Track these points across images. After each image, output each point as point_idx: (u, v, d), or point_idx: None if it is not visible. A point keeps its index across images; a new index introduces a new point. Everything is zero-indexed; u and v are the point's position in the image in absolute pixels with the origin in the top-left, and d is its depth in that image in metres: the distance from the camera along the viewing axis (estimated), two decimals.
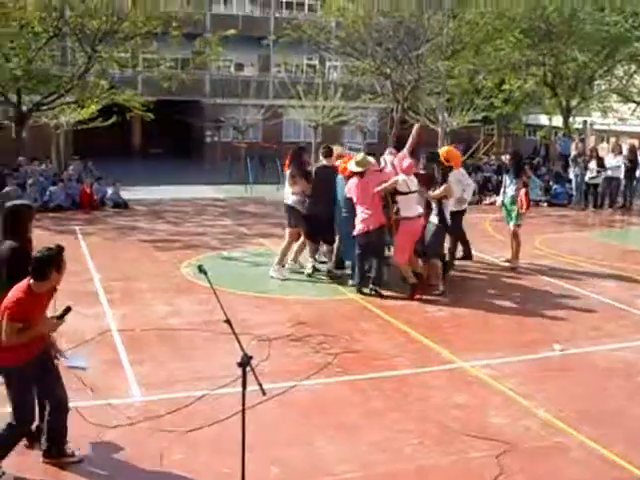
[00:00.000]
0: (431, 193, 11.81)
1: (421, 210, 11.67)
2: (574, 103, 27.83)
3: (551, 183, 23.90)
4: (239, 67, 41.31)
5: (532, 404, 7.46)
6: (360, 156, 11.86)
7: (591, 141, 34.01)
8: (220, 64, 38.24)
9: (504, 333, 9.92)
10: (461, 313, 10.79)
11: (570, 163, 24.19)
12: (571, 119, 28.67)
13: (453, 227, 12.46)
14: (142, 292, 11.60)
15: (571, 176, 23.59)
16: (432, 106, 26.95)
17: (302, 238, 12.93)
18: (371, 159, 11.97)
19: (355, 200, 11.60)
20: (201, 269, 5.63)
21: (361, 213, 11.51)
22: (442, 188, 11.79)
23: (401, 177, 11.52)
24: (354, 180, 11.66)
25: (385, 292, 11.58)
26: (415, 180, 11.65)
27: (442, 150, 13.03)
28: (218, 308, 5.45)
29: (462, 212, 13.25)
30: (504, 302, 11.44)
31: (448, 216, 11.98)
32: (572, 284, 12.60)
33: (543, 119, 34.05)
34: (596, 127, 34.78)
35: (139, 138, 42.68)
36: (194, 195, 24.13)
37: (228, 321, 5.35)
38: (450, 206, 12.15)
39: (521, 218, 13.77)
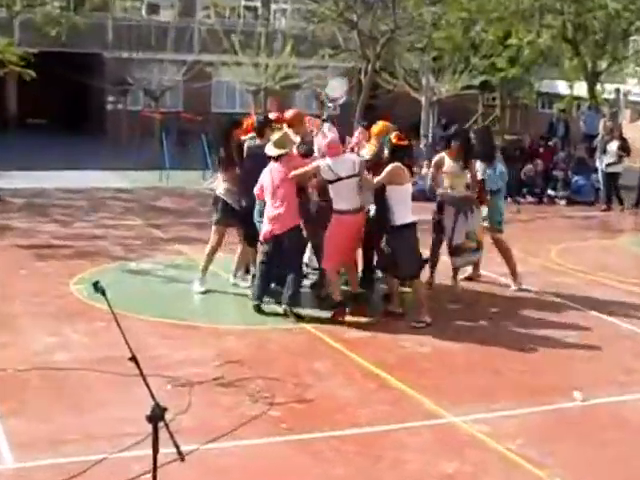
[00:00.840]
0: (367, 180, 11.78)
1: (361, 201, 11.74)
2: (603, 65, 28.21)
3: (570, 174, 24.22)
4: (153, 9, 41.16)
5: (544, 473, 7.53)
6: (279, 134, 11.97)
7: (626, 117, 34.51)
8: (127, 4, 38.14)
9: (506, 376, 10.00)
10: (450, 349, 10.86)
11: (597, 146, 24.49)
12: (599, 87, 29.05)
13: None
14: (17, 318, 11.51)
15: (597, 164, 23.87)
16: (414, 67, 27.15)
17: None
18: (295, 138, 12.09)
19: (266, 192, 11.80)
20: (98, 287, 5.62)
21: (270, 210, 11.71)
22: (386, 170, 11.60)
23: (325, 161, 11.63)
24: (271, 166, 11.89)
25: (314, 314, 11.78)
26: (351, 162, 11.70)
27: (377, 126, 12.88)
28: (121, 341, 5.45)
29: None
30: (506, 335, 11.54)
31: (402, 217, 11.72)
32: (597, 310, 12.75)
33: (562, 86, 34.44)
34: (632, 98, 35.27)
35: (15, 103, 42.28)
36: (90, 184, 23.99)
37: (134, 358, 5.34)
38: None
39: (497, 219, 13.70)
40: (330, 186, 11.67)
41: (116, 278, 13.47)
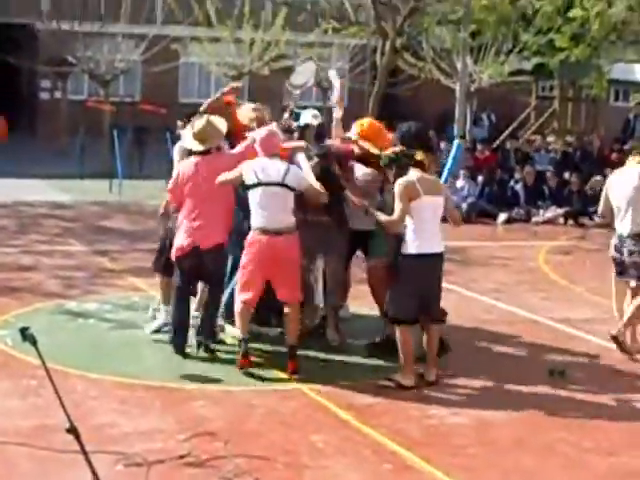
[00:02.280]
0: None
1: (289, 222, 11.69)
2: None
3: None
4: None
5: None
6: (201, 122, 12.08)
7: None
8: None
9: (566, 457, 9.93)
10: (493, 420, 10.81)
11: None
12: None
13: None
14: None
15: None
16: (446, 45, 27.26)
17: None
18: (220, 128, 12.23)
19: (187, 198, 12.10)
20: (27, 334, 5.63)
21: (190, 221, 11.98)
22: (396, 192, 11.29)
23: (254, 161, 11.75)
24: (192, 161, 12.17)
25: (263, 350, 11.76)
26: (283, 169, 11.65)
27: (359, 124, 12.86)
28: (56, 405, 5.43)
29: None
30: (568, 402, 11.48)
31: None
32: None
33: None
34: None
35: None
36: (17, 196, 24.14)
37: (73, 429, 5.34)
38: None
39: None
40: (249, 193, 11.76)
41: (50, 322, 13.48)
